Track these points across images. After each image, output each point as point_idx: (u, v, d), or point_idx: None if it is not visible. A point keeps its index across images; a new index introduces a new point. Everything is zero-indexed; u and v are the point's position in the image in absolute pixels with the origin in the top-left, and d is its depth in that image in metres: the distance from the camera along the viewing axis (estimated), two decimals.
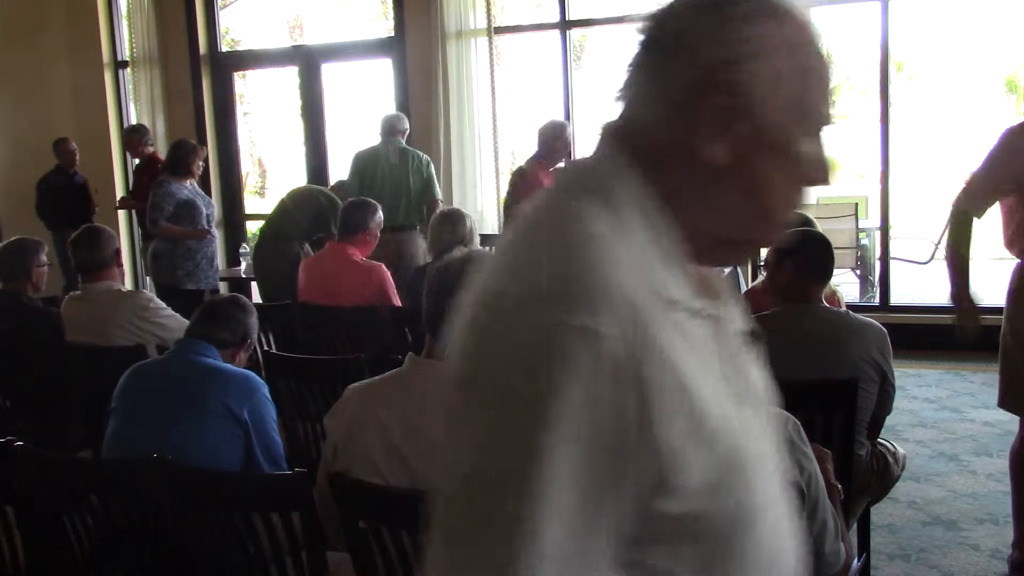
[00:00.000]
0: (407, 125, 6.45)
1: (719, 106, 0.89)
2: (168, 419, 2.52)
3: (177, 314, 3.90)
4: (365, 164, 6.14)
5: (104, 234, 4.00)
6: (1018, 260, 3.23)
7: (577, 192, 0.92)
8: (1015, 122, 3.21)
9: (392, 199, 5.92)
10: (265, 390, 2.66)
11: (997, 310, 3.34)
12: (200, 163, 6.07)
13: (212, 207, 6.27)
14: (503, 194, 7.80)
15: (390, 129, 6.26)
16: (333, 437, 2.17)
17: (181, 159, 5.94)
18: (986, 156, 3.20)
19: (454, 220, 4.38)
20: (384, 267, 4.59)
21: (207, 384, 2.58)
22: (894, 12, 6.63)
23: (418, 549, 1.99)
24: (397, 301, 4.55)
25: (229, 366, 2.68)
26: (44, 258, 4.19)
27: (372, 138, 6.34)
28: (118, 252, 4.05)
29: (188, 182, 5.98)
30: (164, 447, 2.30)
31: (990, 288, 3.90)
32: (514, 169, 6.36)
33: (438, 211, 4.68)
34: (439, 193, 6.29)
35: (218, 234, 6.45)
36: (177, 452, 2.31)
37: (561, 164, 5.81)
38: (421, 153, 6.31)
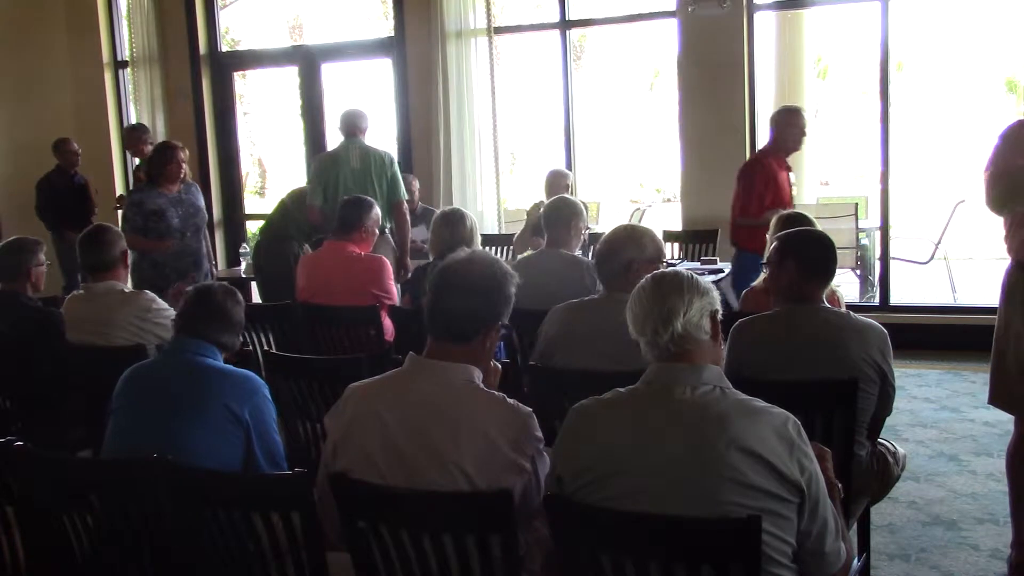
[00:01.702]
0: (368, 123, 6.16)
1: None
2: (168, 419, 2.52)
3: None
4: (327, 169, 5.90)
5: (110, 234, 3.99)
6: (1012, 259, 3.23)
7: None
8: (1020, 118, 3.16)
9: None
10: (265, 390, 2.65)
11: (993, 309, 3.34)
12: (176, 166, 5.62)
13: (198, 216, 5.80)
14: (503, 194, 7.82)
15: (352, 129, 5.98)
16: (333, 436, 2.17)
17: (153, 167, 5.69)
18: (994, 150, 3.18)
19: (455, 220, 4.37)
20: (385, 259, 4.59)
21: (207, 385, 2.57)
22: (894, 12, 6.64)
23: (418, 548, 1.99)
24: (394, 294, 4.55)
25: (229, 367, 2.67)
26: (43, 257, 4.18)
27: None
28: (124, 253, 4.05)
29: (175, 189, 5.62)
30: (164, 447, 2.30)
31: (991, 288, 3.89)
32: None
33: (439, 211, 4.67)
34: (404, 193, 6.06)
35: (205, 244, 5.94)
36: (177, 452, 2.31)
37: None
38: (382, 151, 6.04)
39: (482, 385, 2.15)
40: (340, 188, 5.80)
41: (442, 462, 2.00)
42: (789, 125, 5.40)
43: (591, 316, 3.16)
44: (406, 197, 6.10)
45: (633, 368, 2.06)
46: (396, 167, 6.04)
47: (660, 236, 3.29)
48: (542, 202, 6.41)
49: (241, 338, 2.86)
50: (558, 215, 4.37)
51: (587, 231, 4.55)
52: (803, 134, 5.42)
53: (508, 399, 2.12)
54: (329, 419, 2.22)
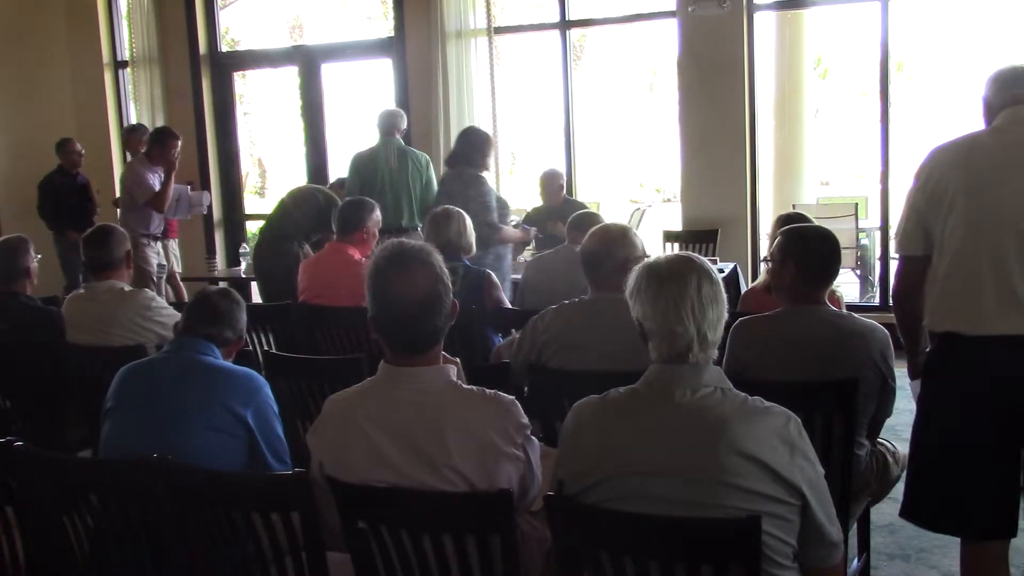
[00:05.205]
0: (405, 123, 6.36)
1: None
2: (168, 418, 2.51)
3: (179, 313, 3.89)
4: (364, 167, 6.02)
5: (116, 234, 3.99)
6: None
7: None
8: None
9: (393, 202, 5.87)
10: (268, 389, 2.64)
11: None
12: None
13: None
14: (503, 194, 7.80)
15: (389, 128, 6.12)
16: (318, 455, 2.13)
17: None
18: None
19: (439, 221, 4.38)
20: None
21: (209, 383, 2.57)
22: (894, 12, 6.64)
23: (418, 548, 1.99)
24: None
25: (231, 365, 2.67)
26: (34, 252, 4.17)
27: (372, 138, 6.28)
28: (128, 254, 4.04)
29: None
30: (165, 446, 2.30)
31: None
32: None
33: (431, 212, 4.67)
34: None
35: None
36: (178, 451, 2.31)
37: None
38: (420, 153, 6.22)
39: (459, 381, 2.14)
40: (377, 187, 5.89)
41: (436, 467, 1.99)
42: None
43: (585, 317, 3.14)
44: None
45: (632, 368, 2.06)
46: (432, 170, 6.15)
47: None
48: (538, 207, 6.43)
49: (244, 334, 2.86)
50: (573, 221, 4.55)
51: None
52: None
53: (487, 391, 2.10)
54: (311, 437, 2.17)
